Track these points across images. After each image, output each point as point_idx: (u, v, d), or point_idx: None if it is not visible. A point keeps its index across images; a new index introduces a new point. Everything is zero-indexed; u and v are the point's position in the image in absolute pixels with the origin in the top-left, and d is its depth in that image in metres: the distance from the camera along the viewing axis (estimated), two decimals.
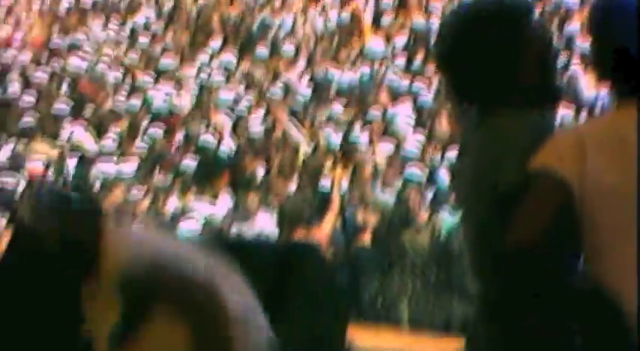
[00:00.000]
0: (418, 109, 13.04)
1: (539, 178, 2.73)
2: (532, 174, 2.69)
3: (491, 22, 2.80)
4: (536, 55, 2.84)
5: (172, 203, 10.38)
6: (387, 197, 10.47)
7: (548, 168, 2.72)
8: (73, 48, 15.24)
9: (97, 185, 10.53)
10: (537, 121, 2.85)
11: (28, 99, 13.22)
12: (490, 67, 2.75)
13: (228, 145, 11.94)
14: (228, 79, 14.05)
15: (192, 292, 3.71)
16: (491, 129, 2.83)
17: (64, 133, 12.17)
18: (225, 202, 10.66)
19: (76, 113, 13.26)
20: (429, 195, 10.54)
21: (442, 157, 11.47)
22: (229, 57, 15.18)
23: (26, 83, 14.07)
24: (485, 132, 2.86)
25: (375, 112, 13.14)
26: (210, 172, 11.18)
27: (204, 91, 13.44)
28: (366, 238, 9.42)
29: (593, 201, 2.65)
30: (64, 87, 14.36)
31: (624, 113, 2.73)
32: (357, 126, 12.64)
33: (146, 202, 10.17)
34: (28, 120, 12.28)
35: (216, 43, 15.95)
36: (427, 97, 13.33)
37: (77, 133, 12.53)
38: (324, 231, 8.36)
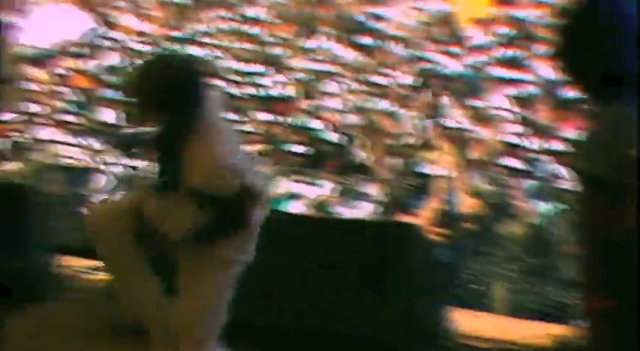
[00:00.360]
0: (519, 99, 12.73)
1: None
2: None
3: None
4: None
5: (281, 186, 10.55)
6: (487, 185, 10.20)
7: None
8: (191, 39, 15.64)
9: None
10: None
11: None
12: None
13: (335, 132, 11.96)
14: (334, 69, 14.10)
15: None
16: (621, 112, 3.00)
17: None
18: (331, 186, 10.66)
19: None
20: (527, 184, 10.33)
21: (542, 146, 11.18)
22: (337, 47, 15.02)
23: None
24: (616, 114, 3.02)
25: (476, 101, 12.98)
26: (318, 158, 11.30)
27: (314, 80, 13.60)
28: (466, 224, 9.38)
29: None
30: None
31: None
32: (460, 113, 12.54)
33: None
34: None
35: (324, 32, 15.79)
36: (528, 86, 13.01)
37: None
38: (426, 215, 8.66)
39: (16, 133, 11.43)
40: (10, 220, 6.77)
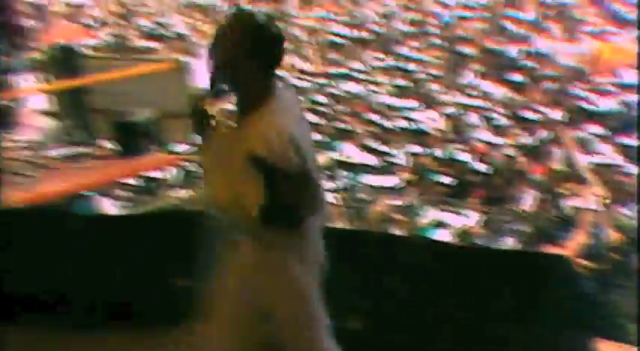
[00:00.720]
0: None
1: None
2: None
3: None
4: None
5: (428, 215, 10.25)
6: (630, 218, 9.78)
7: None
8: (348, 75, 15.85)
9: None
10: None
11: (311, 118, 13.41)
12: None
13: (483, 164, 11.80)
14: (484, 104, 14.22)
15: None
16: None
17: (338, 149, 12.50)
18: (476, 216, 10.38)
19: (351, 134, 13.67)
20: None
21: None
22: (487, 82, 15.23)
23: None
24: None
25: (626, 138, 12.76)
26: (464, 188, 11.18)
27: (463, 114, 13.67)
28: (612, 257, 8.98)
29: None
30: (343, 109, 14.77)
31: None
32: (610, 149, 12.35)
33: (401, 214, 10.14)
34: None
35: (475, 68, 16.21)
36: None
37: (347, 148, 12.72)
38: (572, 247, 8.61)
39: (187, 163, 11.55)
40: (185, 247, 6.41)
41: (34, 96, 9.49)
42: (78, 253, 6.22)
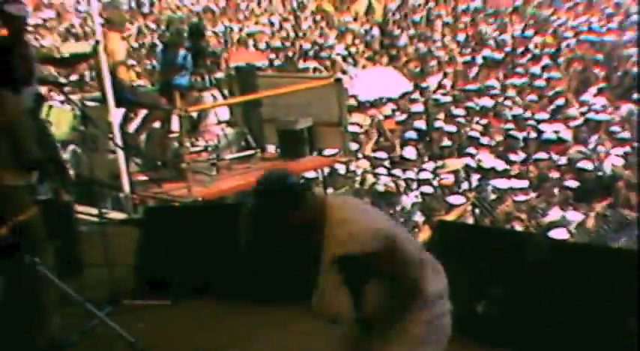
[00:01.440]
0: None
1: None
2: None
3: None
4: None
5: (552, 215, 9.93)
6: None
7: None
8: (480, 92, 15.64)
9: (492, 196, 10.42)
10: None
11: (448, 128, 13.59)
12: None
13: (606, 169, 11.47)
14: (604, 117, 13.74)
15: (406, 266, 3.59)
16: None
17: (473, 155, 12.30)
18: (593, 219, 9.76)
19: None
20: None
21: None
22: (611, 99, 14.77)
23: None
24: None
25: None
26: (587, 192, 10.68)
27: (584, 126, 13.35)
28: None
29: None
30: (477, 120, 14.51)
31: None
32: None
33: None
34: (447, 143, 12.76)
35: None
36: None
37: (483, 156, 12.36)
38: None
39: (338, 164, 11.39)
40: None
41: (218, 109, 9.72)
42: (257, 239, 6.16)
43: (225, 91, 9.92)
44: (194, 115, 9.22)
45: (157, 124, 8.79)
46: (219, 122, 9.77)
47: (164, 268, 6.26)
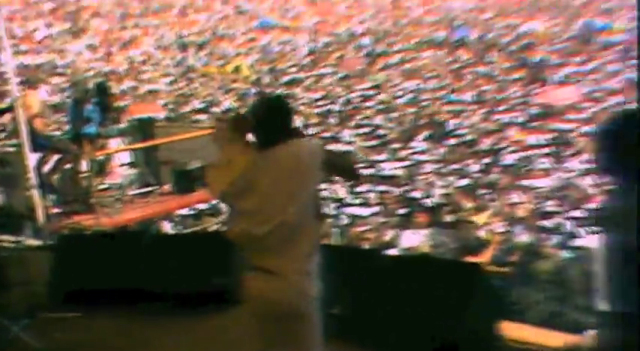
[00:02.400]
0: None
1: None
2: None
3: None
4: None
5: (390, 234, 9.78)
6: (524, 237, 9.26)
7: None
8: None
9: None
10: None
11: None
12: None
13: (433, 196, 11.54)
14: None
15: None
16: None
17: None
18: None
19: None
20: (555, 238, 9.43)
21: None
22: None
23: None
24: None
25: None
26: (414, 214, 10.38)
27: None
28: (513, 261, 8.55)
29: None
30: None
31: None
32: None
33: None
34: None
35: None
36: None
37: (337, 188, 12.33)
38: (485, 257, 8.27)
39: None
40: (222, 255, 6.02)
41: (119, 154, 9.68)
42: (153, 260, 6.22)
43: (128, 138, 9.84)
44: (101, 158, 9.15)
45: (68, 166, 8.64)
46: (123, 164, 9.71)
47: (75, 284, 6.17)
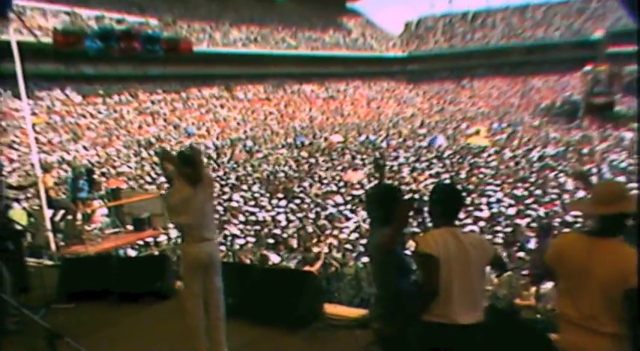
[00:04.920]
0: None
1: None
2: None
3: None
4: None
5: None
6: (338, 255, 8.87)
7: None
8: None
9: None
10: None
11: None
12: None
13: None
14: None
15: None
16: None
17: None
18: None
19: None
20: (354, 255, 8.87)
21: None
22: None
23: None
24: None
25: None
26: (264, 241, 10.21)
27: None
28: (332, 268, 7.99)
29: None
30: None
31: None
32: None
33: None
34: None
35: None
36: None
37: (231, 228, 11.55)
38: (316, 267, 7.69)
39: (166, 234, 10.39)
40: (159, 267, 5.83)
41: (100, 209, 9.53)
42: (120, 272, 5.84)
43: (105, 200, 9.66)
44: (89, 212, 8.92)
45: (69, 217, 8.41)
46: (102, 215, 9.58)
47: (73, 288, 5.93)
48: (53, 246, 7.75)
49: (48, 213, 7.87)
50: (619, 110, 28.96)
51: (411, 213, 2.55)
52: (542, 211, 10.79)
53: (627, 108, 29.22)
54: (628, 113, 28.08)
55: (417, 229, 5.45)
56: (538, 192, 13.52)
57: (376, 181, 3.45)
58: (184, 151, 3.68)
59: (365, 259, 8.03)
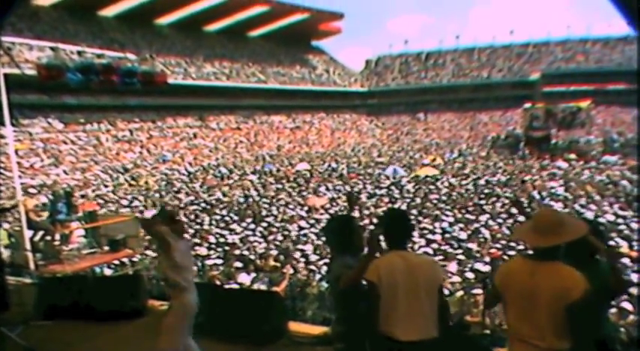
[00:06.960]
0: None
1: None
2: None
3: None
4: None
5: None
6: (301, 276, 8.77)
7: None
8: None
9: None
10: None
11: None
12: None
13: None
14: None
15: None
16: None
17: None
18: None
19: None
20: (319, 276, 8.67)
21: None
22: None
23: None
24: None
25: None
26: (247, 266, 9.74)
27: None
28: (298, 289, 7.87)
29: None
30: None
31: None
32: None
33: None
34: None
35: None
36: None
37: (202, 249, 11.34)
38: (281, 288, 7.31)
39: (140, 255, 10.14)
40: (133, 284, 5.83)
41: (77, 230, 9.39)
42: (97, 290, 5.85)
43: (82, 222, 9.49)
44: (66, 233, 8.81)
45: (48, 238, 8.26)
46: (79, 236, 9.37)
47: (52, 304, 5.86)
48: (32, 265, 7.64)
49: (28, 234, 7.79)
50: (555, 142, 30.76)
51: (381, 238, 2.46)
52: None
53: (562, 141, 31.06)
54: (563, 145, 29.82)
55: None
56: (485, 217, 13.97)
57: (345, 211, 3.41)
58: (163, 210, 3.70)
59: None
